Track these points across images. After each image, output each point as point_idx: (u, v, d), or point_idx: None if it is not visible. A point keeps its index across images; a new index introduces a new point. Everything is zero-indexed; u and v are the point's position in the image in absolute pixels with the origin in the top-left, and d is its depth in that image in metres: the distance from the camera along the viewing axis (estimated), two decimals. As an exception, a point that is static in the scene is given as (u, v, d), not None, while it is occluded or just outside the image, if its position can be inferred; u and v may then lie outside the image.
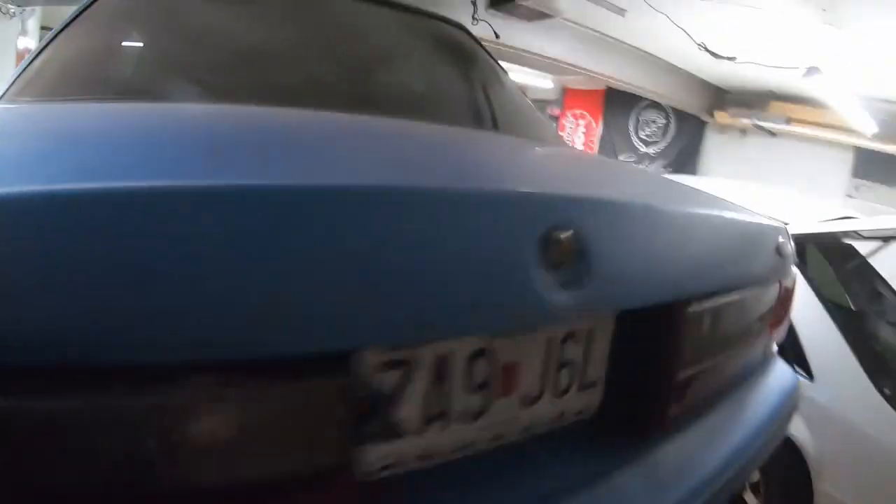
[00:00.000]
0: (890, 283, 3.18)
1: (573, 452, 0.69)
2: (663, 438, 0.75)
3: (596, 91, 7.08)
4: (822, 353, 2.29)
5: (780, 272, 0.97)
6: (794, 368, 2.24)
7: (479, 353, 0.56)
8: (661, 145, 6.61)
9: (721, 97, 6.02)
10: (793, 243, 1.06)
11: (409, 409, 0.52)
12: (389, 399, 0.51)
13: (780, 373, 1.10)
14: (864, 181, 5.55)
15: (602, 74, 5.45)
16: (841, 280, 3.54)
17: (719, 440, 0.81)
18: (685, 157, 6.31)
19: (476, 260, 0.49)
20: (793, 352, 2.30)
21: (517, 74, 6.68)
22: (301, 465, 0.47)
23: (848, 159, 5.61)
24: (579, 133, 7.46)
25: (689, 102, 5.98)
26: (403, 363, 0.51)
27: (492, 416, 0.59)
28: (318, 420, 0.47)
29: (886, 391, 2.08)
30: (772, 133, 5.77)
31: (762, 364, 1.06)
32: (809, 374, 2.26)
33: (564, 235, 0.54)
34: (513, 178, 0.71)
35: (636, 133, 6.86)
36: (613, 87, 6.49)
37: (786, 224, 1.10)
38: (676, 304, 0.72)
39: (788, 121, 5.45)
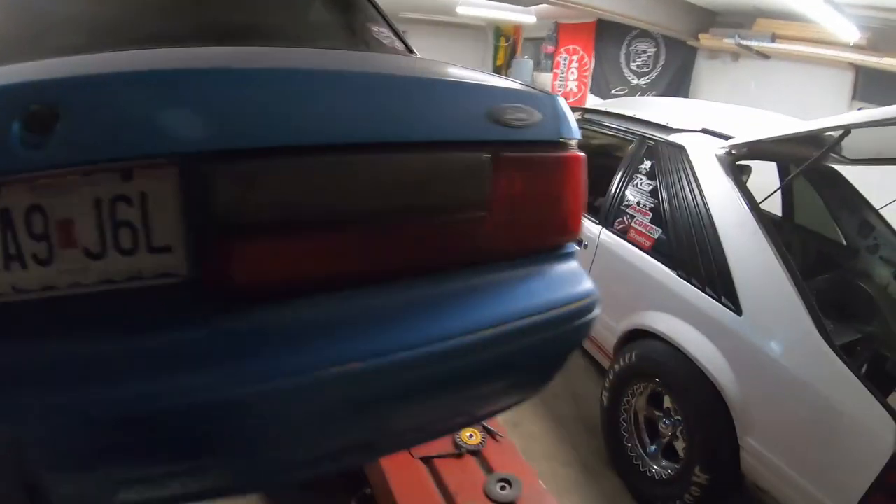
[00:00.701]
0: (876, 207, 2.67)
1: (150, 311, 0.76)
2: (238, 313, 0.77)
3: (587, 24, 6.90)
4: (754, 284, 1.96)
5: (480, 135, 0.89)
6: (720, 301, 2.00)
7: (36, 209, 0.70)
8: (652, 76, 6.42)
9: (708, 19, 5.76)
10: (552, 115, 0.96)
11: None
12: None
13: (544, 280, 0.99)
14: (866, 104, 5.15)
15: (577, 3, 5.33)
16: (802, 202, 3.29)
17: (347, 331, 0.81)
18: (676, 86, 6.12)
19: None
20: (719, 281, 2.04)
21: (494, 12, 6.60)
22: None
23: (847, 81, 5.23)
24: (573, 69, 7.30)
25: (676, 28, 5.78)
26: None
27: (61, 263, 0.72)
28: None
29: (831, 335, 1.73)
30: (764, 56, 5.47)
31: (499, 264, 0.97)
32: (738, 307, 1.96)
33: (36, 107, 0.67)
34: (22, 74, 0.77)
35: (627, 65, 6.68)
36: (600, 17, 6.32)
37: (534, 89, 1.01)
38: (198, 160, 0.73)
39: (774, 37, 5.15)
